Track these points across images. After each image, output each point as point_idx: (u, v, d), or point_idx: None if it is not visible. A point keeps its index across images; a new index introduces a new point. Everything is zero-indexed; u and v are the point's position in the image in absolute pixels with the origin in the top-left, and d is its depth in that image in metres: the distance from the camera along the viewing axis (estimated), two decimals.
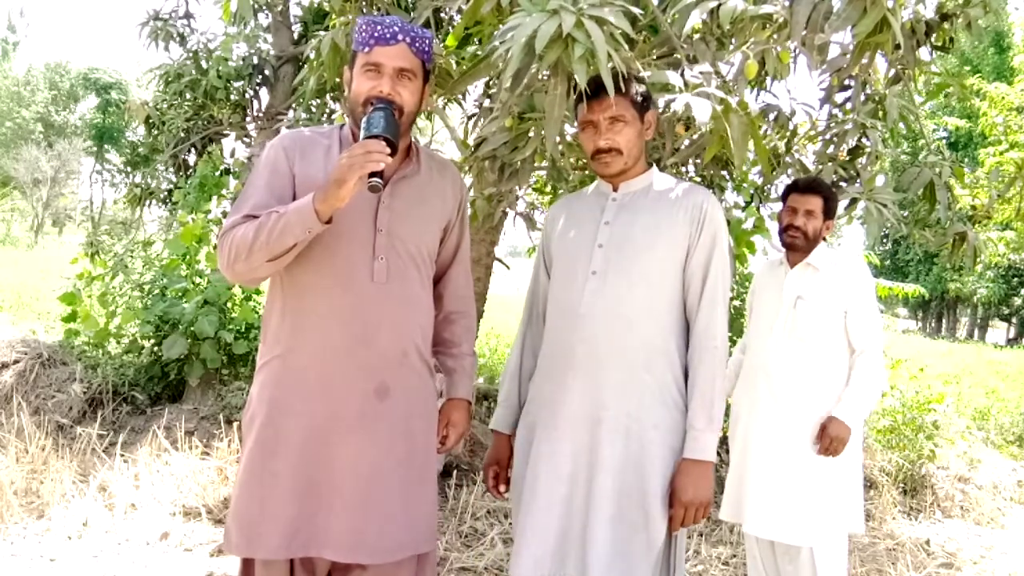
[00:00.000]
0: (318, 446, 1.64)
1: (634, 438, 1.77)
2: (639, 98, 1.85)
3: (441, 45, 3.07)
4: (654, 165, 1.99)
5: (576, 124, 1.92)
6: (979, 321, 36.55)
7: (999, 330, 38.65)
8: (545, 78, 1.83)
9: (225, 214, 5.80)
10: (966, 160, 18.89)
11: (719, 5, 2.02)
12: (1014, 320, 35.15)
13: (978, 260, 3.26)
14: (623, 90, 1.81)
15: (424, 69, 1.70)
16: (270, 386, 1.68)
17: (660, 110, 2.34)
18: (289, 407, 1.65)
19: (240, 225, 1.60)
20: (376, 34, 1.63)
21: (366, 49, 1.63)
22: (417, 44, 1.66)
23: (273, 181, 1.67)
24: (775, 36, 2.26)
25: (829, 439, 2.48)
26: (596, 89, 1.80)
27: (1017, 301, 31.70)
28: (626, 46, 1.78)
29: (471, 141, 3.19)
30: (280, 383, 1.67)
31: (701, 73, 2.05)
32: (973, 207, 4.76)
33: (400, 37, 1.63)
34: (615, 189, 1.93)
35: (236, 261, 1.59)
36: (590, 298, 1.83)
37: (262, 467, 1.64)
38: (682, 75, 2.02)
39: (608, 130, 1.84)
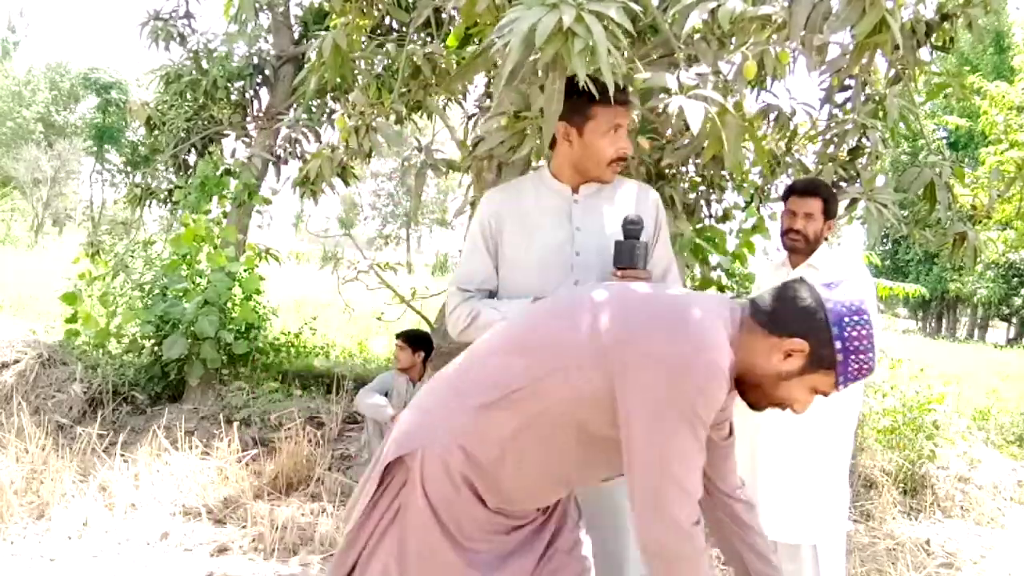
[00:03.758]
0: None
1: None
2: None
3: (441, 45, 3.07)
4: None
5: (593, 125, 1.86)
6: (979, 321, 36.51)
7: (999, 330, 38.61)
8: (543, 74, 1.82)
9: (225, 214, 5.80)
10: (966, 160, 18.88)
11: (718, 6, 2.02)
12: (1014, 320, 35.12)
13: (978, 260, 3.26)
14: (627, 98, 1.85)
15: None
16: None
17: (659, 111, 2.34)
18: None
19: None
20: (855, 380, 1.39)
21: (841, 387, 1.39)
22: None
23: None
24: (774, 37, 2.26)
25: None
26: (619, 93, 1.81)
27: (1017, 301, 31.66)
28: (625, 42, 1.77)
29: (470, 142, 3.19)
30: None
31: (697, 74, 2.05)
32: (973, 207, 4.76)
33: None
34: (575, 191, 1.93)
35: None
36: None
37: None
38: (677, 77, 2.02)
39: (624, 137, 1.86)
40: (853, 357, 1.34)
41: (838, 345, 1.33)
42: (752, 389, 1.41)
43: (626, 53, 2.23)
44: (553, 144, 1.94)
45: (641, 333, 1.31)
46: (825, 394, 1.40)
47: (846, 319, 1.34)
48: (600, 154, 1.87)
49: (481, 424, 1.37)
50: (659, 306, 1.37)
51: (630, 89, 1.79)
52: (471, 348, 1.54)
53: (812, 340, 1.34)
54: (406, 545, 1.39)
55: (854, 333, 1.34)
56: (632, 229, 1.82)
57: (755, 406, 1.43)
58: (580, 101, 1.82)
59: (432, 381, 1.54)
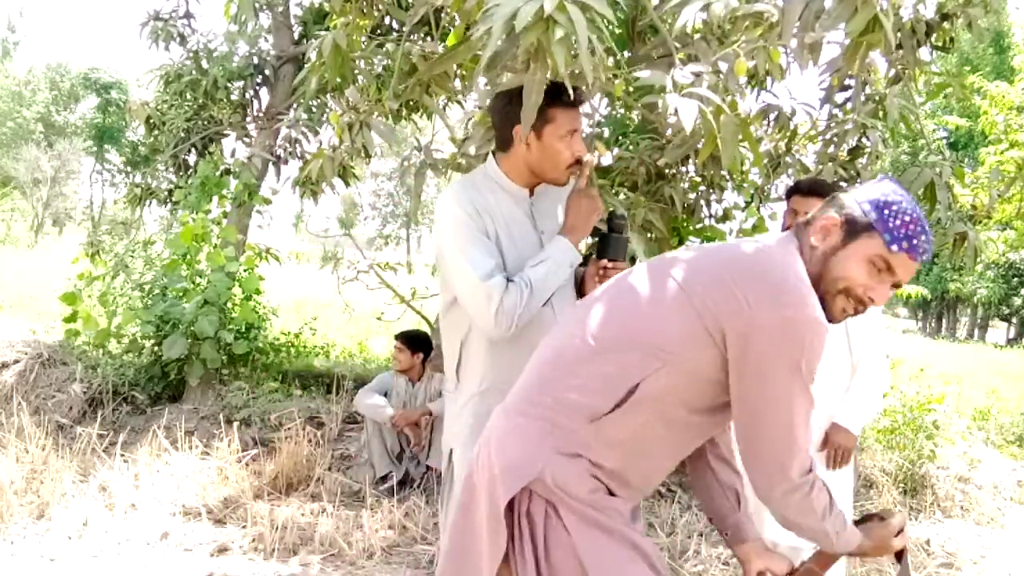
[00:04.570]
0: None
1: None
2: None
3: (440, 45, 3.07)
4: None
5: (552, 128, 1.85)
6: (979, 321, 36.51)
7: (999, 330, 38.62)
8: (524, 65, 1.79)
9: (225, 214, 5.81)
10: (966, 160, 18.88)
11: (709, 3, 2.01)
12: (1014, 320, 35.12)
13: (978, 260, 3.26)
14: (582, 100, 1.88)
15: None
16: None
17: (658, 111, 2.34)
18: None
19: None
20: (915, 242, 1.35)
21: (894, 247, 1.35)
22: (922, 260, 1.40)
23: None
24: (768, 35, 2.25)
25: (834, 448, 2.51)
26: (578, 96, 1.83)
27: (1017, 301, 31.66)
28: (607, 34, 1.76)
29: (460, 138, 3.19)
30: None
31: (693, 73, 2.04)
32: (973, 206, 4.76)
33: (925, 256, 1.38)
34: (531, 193, 1.94)
35: None
36: (560, 313, 1.91)
37: None
38: (672, 76, 2.01)
39: (580, 140, 1.87)
40: (887, 211, 1.35)
41: (866, 207, 1.37)
42: (822, 297, 1.37)
43: (619, 56, 2.22)
44: (504, 145, 1.92)
45: (748, 300, 1.30)
46: (887, 264, 1.35)
47: (861, 185, 1.43)
48: (558, 157, 1.86)
49: (598, 435, 1.37)
50: (753, 266, 1.36)
51: (584, 92, 1.78)
52: (542, 359, 1.48)
53: (839, 213, 1.39)
54: (583, 562, 1.35)
55: (875, 190, 1.38)
56: (619, 224, 1.88)
57: (830, 311, 1.39)
58: (549, 103, 1.82)
59: (514, 410, 1.45)
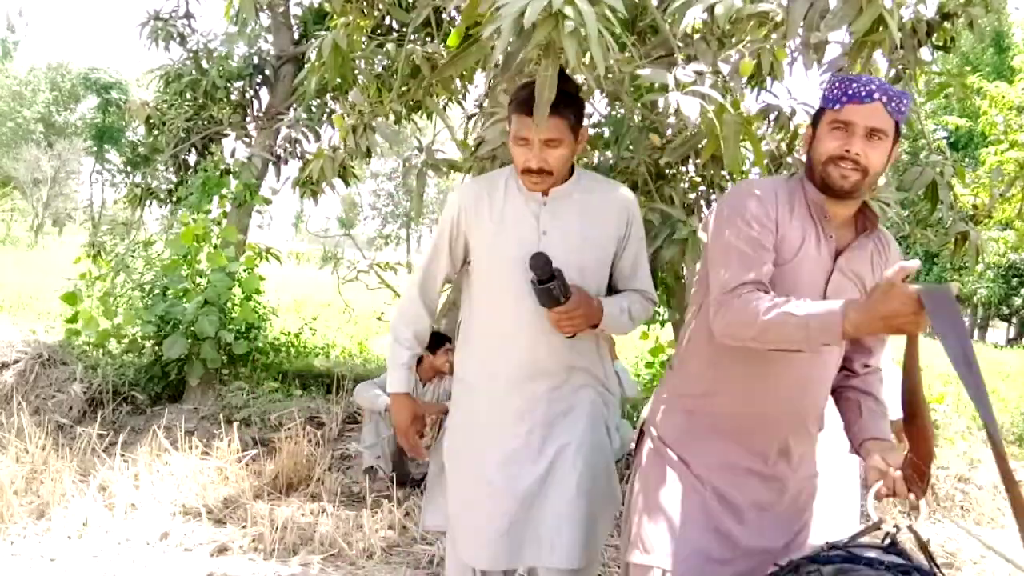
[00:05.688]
0: None
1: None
2: (573, 119, 1.86)
3: (441, 45, 3.07)
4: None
5: (512, 132, 1.88)
6: (979, 321, 36.47)
7: (999, 330, 38.59)
8: (536, 62, 1.79)
9: (225, 214, 5.81)
10: (966, 160, 18.87)
11: (715, 3, 2.01)
12: (1014, 320, 35.10)
13: (980, 260, 3.26)
14: (561, 108, 1.82)
15: (897, 130, 1.59)
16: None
17: (659, 110, 2.34)
18: None
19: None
20: (850, 92, 1.55)
21: (836, 107, 1.56)
22: (893, 104, 1.55)
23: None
24: (772, 35, 2.26)
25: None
26: (524, 106, 1.81)
27: (1017, 301, 31.62)
28: (618, 27, 1.76)
29: (471, 141, 3.18)
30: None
31: (695, 72, 2.04)
32: (974, 206, 4.76)
33: (877, 96, 1.54)
34: (545, 194, 1.93)
35: None
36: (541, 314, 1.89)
37: None
38: (674, 74, 2.01)
39: (542, 151, 1.84)
40: (824, 91, 1.60)
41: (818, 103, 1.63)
42: (823, 181, 1.59)
43: (629, 51, 2.21)
44: None
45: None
46: (842, 122, 1.55)
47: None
48: (514, 161, 1.90)
49: (680, 369, 1.78)
50: None
51: (543, 101, 1.76)
52: None
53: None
54: (648, 481, 1.74)
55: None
56: (538, 268, 1.80)
57: (832, 184, 1.57)
58: (511, 106, 1.85)
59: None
